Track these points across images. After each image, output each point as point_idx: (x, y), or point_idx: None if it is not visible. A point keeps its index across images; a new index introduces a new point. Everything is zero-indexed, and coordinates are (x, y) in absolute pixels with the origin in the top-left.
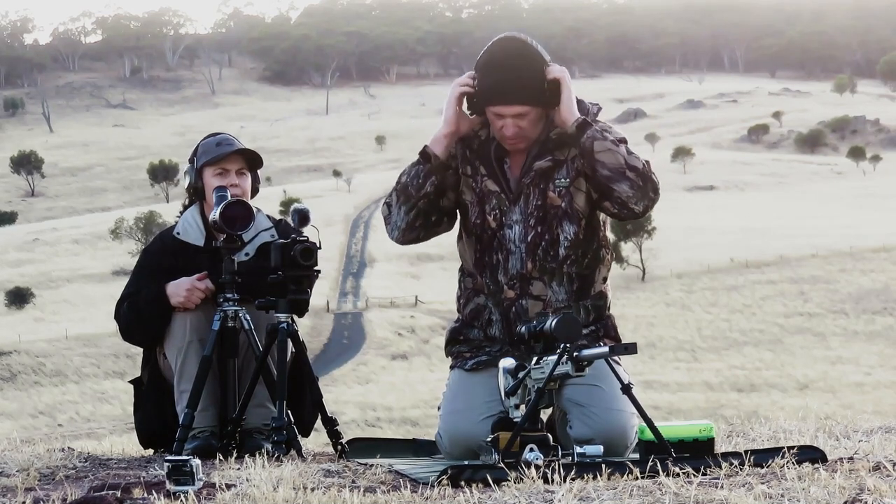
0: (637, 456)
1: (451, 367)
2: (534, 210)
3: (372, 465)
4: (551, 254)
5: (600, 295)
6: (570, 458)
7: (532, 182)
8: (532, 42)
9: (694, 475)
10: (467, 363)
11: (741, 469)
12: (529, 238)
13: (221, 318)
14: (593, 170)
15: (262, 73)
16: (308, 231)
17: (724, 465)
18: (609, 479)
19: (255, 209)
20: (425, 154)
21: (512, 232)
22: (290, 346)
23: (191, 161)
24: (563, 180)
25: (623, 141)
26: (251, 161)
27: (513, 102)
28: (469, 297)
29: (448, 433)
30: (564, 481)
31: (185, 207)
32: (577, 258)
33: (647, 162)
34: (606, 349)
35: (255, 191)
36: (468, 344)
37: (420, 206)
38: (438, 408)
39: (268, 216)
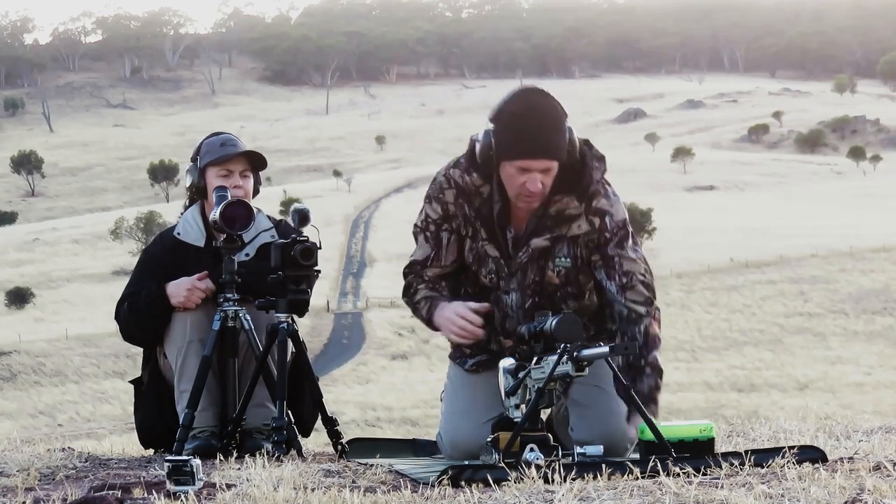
0: (637, 456)
1: (450, 358)
2: (531, 284)
3: (372, 465)
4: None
5: (594, 315)
6: (571, 458)
7: (529, 259)
8: (552, 95)
9: (694, 475)
10: (467, 362)
11: (741, 469)
12: (527, 306)
13: (221, 318)
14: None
15: (262, 73)
16: (308, 231)
17: (724, 465)
18: (609, 479)
19: (255, 209)
20: (431, 324)
21: (509, 298)
22: (291, 346)
23: (193, 160)
24: (563, 259)
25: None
26: (255, 163)
27: (542, 157)
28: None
29: (449, 435)
30: (564, 481)
31: (187, 207)
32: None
33: (654, 310)
34: (606, 349)
35: (255, 191)
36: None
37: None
38: (441, 399)
39: (268, 216)
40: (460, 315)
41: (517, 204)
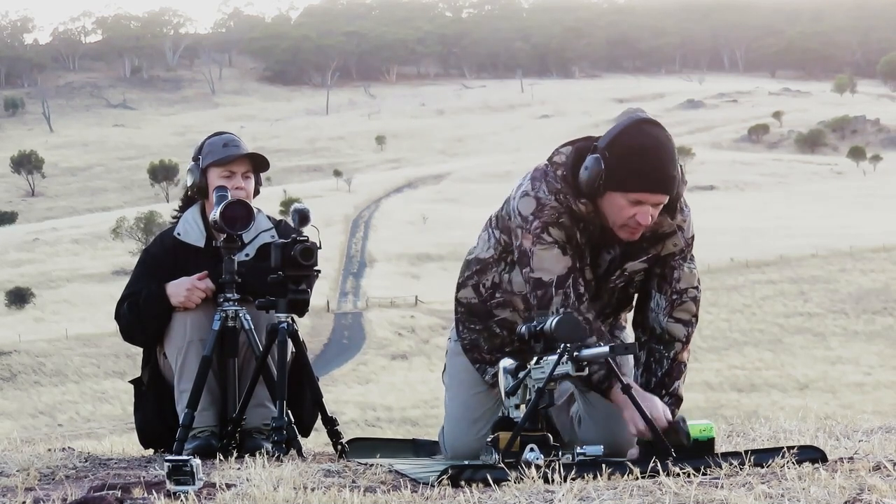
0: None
1: (464, 351)
2: (610, 301)
3: (372, 465)
4: (609, 330)
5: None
6: (570, 458)
7: (617, 282)
8: (664, 128)
9: (694, 475)
10: (487, 372)
11: (741, 469)
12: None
13: (221, 318)
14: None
15: (262, 73)
16: (308, 231)
17: (724, 465)
18: (609, 479)
19: (255, 210)
20: None
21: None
22: (290, 346)
23: (195, 160)
24: (639, 276)
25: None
26: (257, 164)
27: (661, 192)
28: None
29: (451, 444)
30: (564, 481)
31: (182, 206)
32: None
33: (692, 331)
34: (606, 349)
35: (256, 192)
36: (489, 339)
37: None
38: (444, 382)
39: (268, 216)
40: None
41: (618, 234)
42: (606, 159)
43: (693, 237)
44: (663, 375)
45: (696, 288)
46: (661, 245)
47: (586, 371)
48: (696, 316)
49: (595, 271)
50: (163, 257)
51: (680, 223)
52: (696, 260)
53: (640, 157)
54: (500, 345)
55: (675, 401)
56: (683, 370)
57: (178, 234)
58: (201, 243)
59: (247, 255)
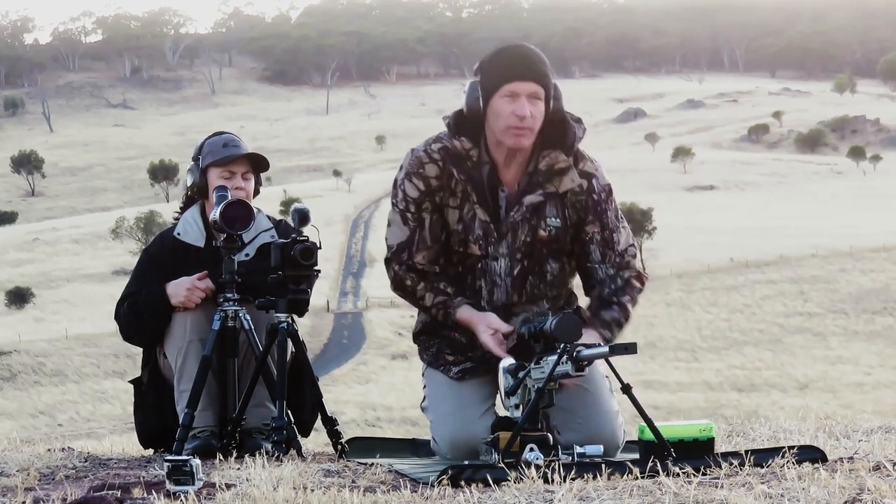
0: (637, 456)
1: (429, 365)
2: (521, 245)
3: (372, 465)
4: (539, 287)
5: (570, 294)
6: (570, 458)
7: (523, 218)
8: None
9: (694, 475)
10: (452, 370)
11: (741, 469)
12: (516, 272)
13: (221, 317)
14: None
15: (262, 73)
16: (308, 231)
17: (724, 465)
18: (609, 479)
19: (255, 209)
20: (456, 324)
21: (497, 265)
22: (290, 346)
23: (195, 159)
24: (554, 220)
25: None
26: (257, 165)
27: (530, 79)
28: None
29: (446, 439)
30: (564, 481)
31: (184, 207)
32: (559, 285)
33: (642, 273)
34: (606, 349)
35: (256, 192)
36: (449, 344)
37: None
38: (423, 409)
39: (268, 216)
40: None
41: (506, 142)
42: (479, 74)
43: (609, 186)
44: (615, 289)
45: (629, 240)
46: (559, 181)
47: (586, 371)
48: (633, 264)
49: (491, 211)
50: (162, 257)
51: (591, 170)
52: (641, 247)
53: (504, 52)
54: (463, 348)
55: (622, 309)
56: (636, 294)
57: (178, 233)
58: (201, 243)
59: (247, 254)
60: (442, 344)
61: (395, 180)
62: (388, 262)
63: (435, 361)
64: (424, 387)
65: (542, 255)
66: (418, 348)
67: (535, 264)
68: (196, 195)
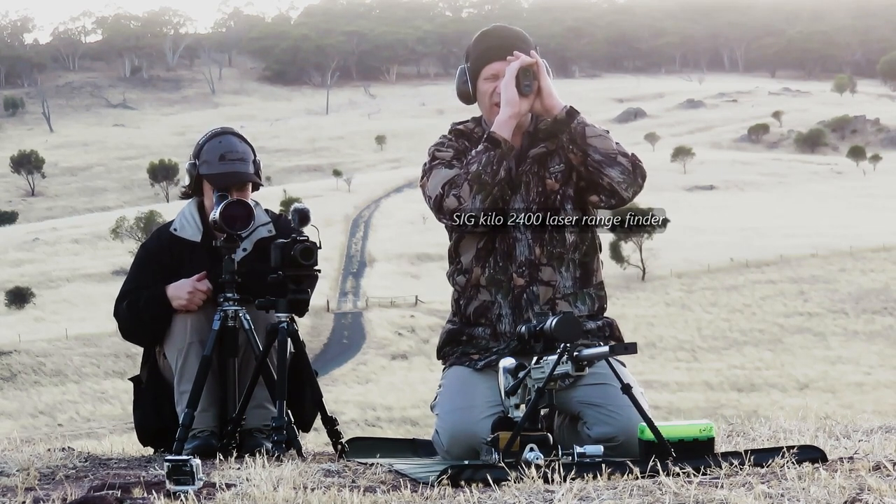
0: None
1: (451, 366)
2: (535, 197)
3: (372, 465)
4: (557, 238)
5: (601, 285)
6: (570, 458)
7: (529, 170)
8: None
9: (694, 475)
10: (477, 364)
11: (741, 469)
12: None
13: (221, 317)
14: (585, 154)
15: (262, 73)
16: (308, 231)
17: (724, 464)
18: (609, 478)
19: (253, 204)
20: (493, 140)
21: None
22: (290, 346)
23: (193, 161)
24: (557, 166)
25: (607, 132)
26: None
27: (507, 58)
28: (471, 296)
29: (448, 431)
30: (564, 481)
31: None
32: (579, 243)
33: (633, 153)
34: (606, 349)
35: (255, 187)
36: (474, 345)
37: (495, 193)
38: (432, 407)
39: (266, 210)
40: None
41: (492, 121)
42: (466, 58)
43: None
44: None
45: (617, 143)
46: (557, 139)
47: (586, 371)
48: (627, 154)
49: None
50: (159, 253)
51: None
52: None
53: (482, 36)
54: (487, 346)
55: (570, 109)
56: (606, 135)
57: (175, 229)
58: (197, 238)
59: (244, 249)
60: (466, 347)
61: (424, 164)
62: (439, 199)
63: (459, 361)
64: (440, 386)
65: (556, 204)
66: (442, 362)
67: (552, 214)
68: (193, 193)
